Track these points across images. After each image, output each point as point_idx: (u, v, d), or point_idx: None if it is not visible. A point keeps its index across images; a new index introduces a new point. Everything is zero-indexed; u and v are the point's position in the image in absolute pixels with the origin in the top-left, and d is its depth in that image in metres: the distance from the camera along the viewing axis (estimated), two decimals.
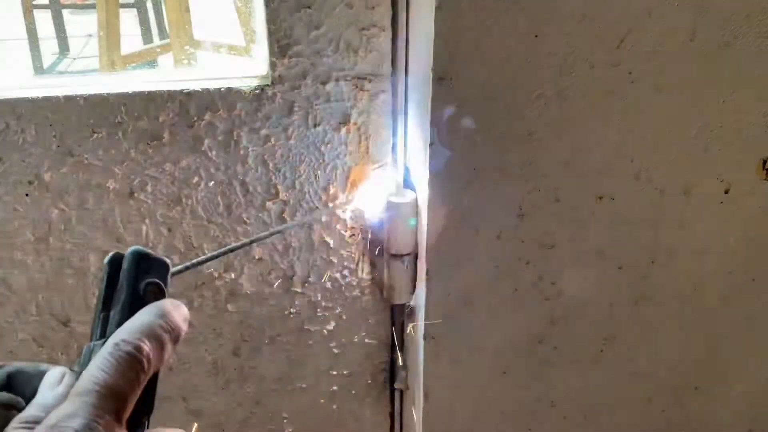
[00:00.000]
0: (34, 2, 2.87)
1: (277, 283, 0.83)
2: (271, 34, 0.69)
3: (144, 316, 0.38)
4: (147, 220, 0.77)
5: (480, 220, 0.72)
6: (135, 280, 0.40)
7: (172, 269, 0.43)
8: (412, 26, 0.71)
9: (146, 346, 0.36)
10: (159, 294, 0.41)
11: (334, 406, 0.94)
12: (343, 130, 0.75)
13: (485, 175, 0.69)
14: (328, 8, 0.69)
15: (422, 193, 0.72)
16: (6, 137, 0.70)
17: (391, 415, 0.98)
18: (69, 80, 0.74)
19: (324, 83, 0.72)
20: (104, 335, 0.38)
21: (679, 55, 0.66)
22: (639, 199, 0.74)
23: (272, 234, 0.77)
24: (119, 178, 0.74)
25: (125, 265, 0.40)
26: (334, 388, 0.93)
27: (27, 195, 0.73)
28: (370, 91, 0.74)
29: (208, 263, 0.53)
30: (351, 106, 0.74)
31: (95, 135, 0.71)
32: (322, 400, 0.93)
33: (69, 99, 0.69)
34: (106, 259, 0.41)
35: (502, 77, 0.64)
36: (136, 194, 0.75)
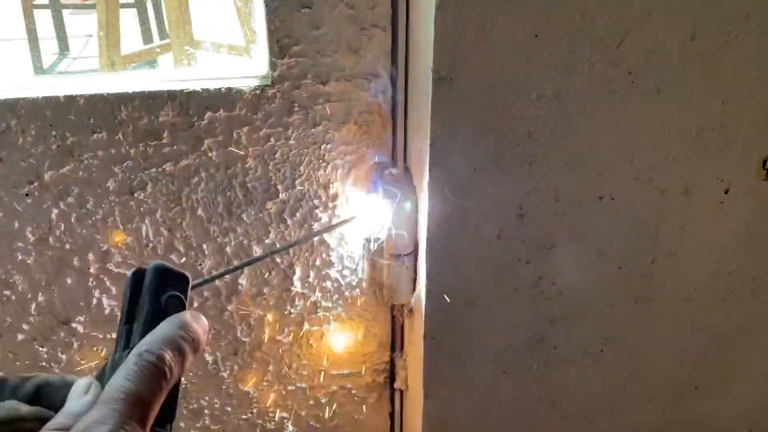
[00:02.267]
0: (34, 2, 2.87)
1: (276, 283, 0.83)
2: (271, 34, 0.69)
3: (166, 327, 0.40)
4: (147, 220, 0.77)
5: (480, 220, 0.72)
6: (157, 294, 0.42)
7: (192, 282, 0.44)
8: (412, 26, 0.71)
9: (168, 356, 0.38)
10: (180, 306, 0.42)
11: (334, 406, 0.94)
12: (344, 129, 0.75)
13: (485, 175, 0.69)
14: (328, 8, 0.69)
15: (422, 193, 0.72)
16: (6, 137, 0.70)
17: (391, 415, 0.98)
18: (69, 80, 0.74)
19: (324, 83, 0.72)
20: (128, 346, 0.40)
21: (679, 55, 0.66)
22: (639, 199, 0.74)
23: (293, 245, 0.78)
24: (119, 178, 0.74)
25: (147, 279, 0.42)
26: (334, 388, 0.93)
27: (27, 195, 0.73)
28: (370, 91, 0.74)
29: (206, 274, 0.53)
30: (351, 106, 0.74)
31: (95, 135, 0.71)
32: (322, 400, 0.93)
33: (69, 99, 0.69)
34: (128, 274, 0.43)
35: (502, 77, 0.64)
36: (136, 194, 0.75)
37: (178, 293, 0.42)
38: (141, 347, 0.38)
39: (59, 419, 0.36)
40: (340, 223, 0.78)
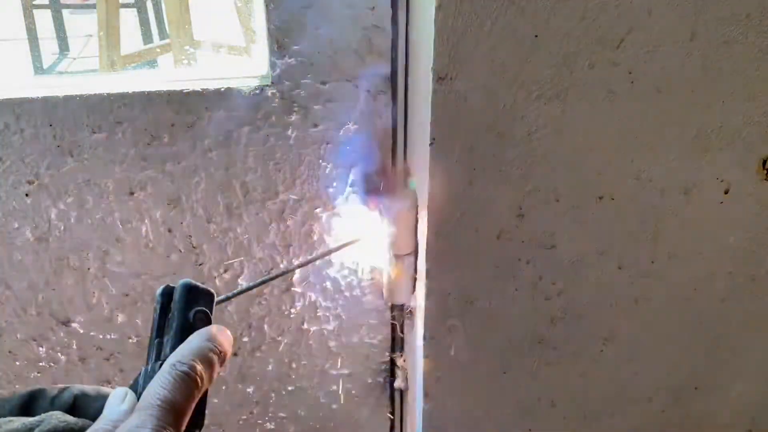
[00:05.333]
0: (34, 2, 2.87)
1: (276, 283, 0.83)
2: (271, 34, 0.69)
3: (195, 340, 0.44)
4: (147, 220, 0.77)
5: (480, 220, 0.72)
6: (185, 310, 0.46)
7: (217, 298, 0.48)
8: (412, 26, 0.71)
9: (199, 367, 0.42)
10: (206, 321, 0.46)
11: (334, 406, 0.94)
12: (344, 129, 0.75)
13: (485, 175, 0.69)
14: (328, 8, 0.69)
15: (422, 192, 0.72)
16: (6, 137, 0.70)
17: (391, 415, 0.98)
18: (69, 80, 0.74)
19: (324, 83, 0.72)
20: (159, 358, 0.44)
21: (679, 55, 0.66)
22: (639, 199, 0.74)
23: (315, 259, 0.79)
24: (119, 178, 0.74)
25: (176, 296, 0.46)
26: (334, 388, 0.93)
27: (27, 195, 0.73)
28: (370, 91, 0.74)
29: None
30: (351, 106, 0.74)
31: (95, 135, 0.71)
32: (322, 400, 0.93)
33: (69, 99, 0.69)
34: (158, 291, 0.47)
35: (502, 77, 0.64)
36: (136, 194, 0.75)
37: (204, 309, 0.46)
38: (174, 358, 0.42)
39: (99, 425, 0.39)
40: (351, 242, 0.79)
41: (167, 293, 0.46)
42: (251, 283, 0.64)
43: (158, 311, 0.46)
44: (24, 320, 0.80)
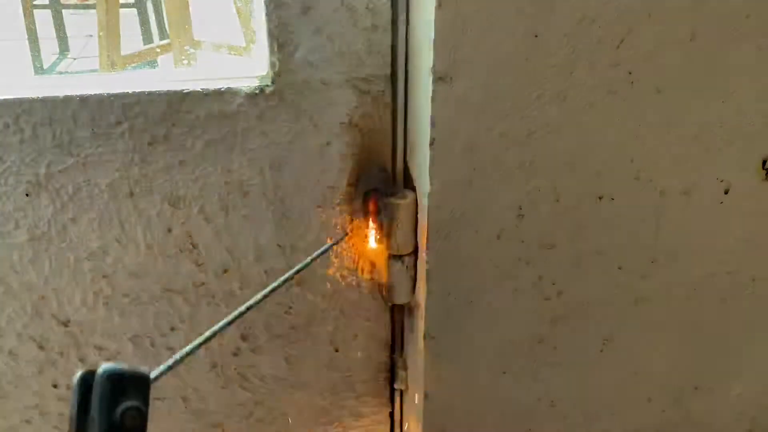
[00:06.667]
0: (34, 2, 2.87)
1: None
2: (271, 34, 0.69)
3: None
4: (146, 220, 0.77)
5: (480, 220, 0.72)
6: (110, 407, 0.36)
7: (153, 376, 0.39)
8: (412, 26, 0.71)
9: None
10: (139, 419, 0.36)
11: (334, 406, 0.94)
12: (344, 130, 0.75)
13: (485, 175, 0.69)
14: (328, 9, 0.69)
15: (422, 192, 0.72)
16: (6, 137, 0.70)
17: (391, 415, 0.98)
18: (69, 80, 0.74)
19: (324, 83, 0.72)
20: None
21: (679, 55, 0.66)
22: (639, 199, 0.74)
23: (297, 271, 0.78)
24: (119, 178, 0.74)
25: (98, 389, 0.36)
26: (334, 387, 0.93)
27: (27, 194, 0.73)
28: (370, 91, 0.74)
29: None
30: (351, 107, 0.74)
31: (95, 135, 0.71)
32: (323, 400, 0.93)
33: (69, 99, 0.69)
34: (75, 379, 0.36)
35: (502, 77, 0.64)
36: (135, 194, 0.75)
37: (136, 403, 0.36)
38: None
39: None
40: (336, 242, 0.79)
41: (86, 381, 0.36)
42: (196, 342, 0.51)
43: (76, 407, 0.36)
44: (24, 320, 0.80)
